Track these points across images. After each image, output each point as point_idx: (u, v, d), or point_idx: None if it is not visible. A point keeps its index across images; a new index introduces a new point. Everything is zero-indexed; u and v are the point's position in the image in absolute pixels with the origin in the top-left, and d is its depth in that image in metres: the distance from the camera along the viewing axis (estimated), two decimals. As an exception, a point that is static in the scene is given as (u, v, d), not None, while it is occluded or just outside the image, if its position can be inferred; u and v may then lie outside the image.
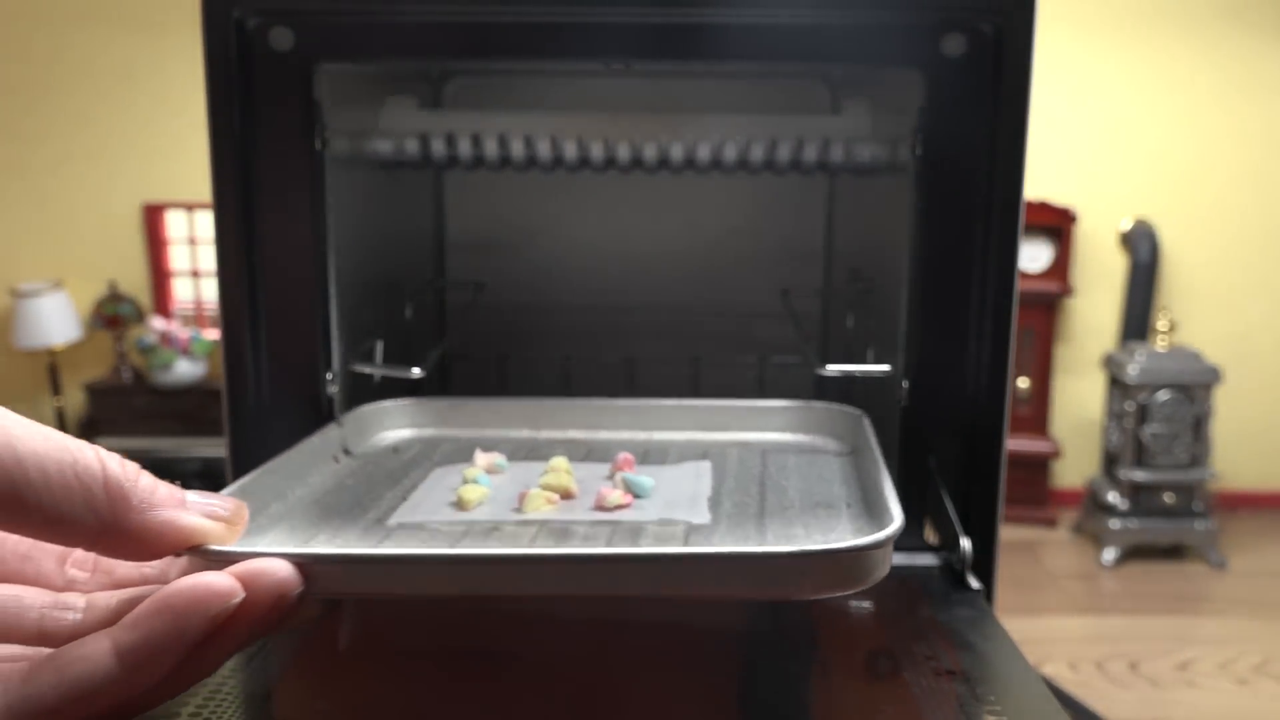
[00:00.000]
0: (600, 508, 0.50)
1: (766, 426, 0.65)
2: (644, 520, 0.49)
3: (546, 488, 0.52)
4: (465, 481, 0.53)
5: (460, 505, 0.51)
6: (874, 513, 0.47)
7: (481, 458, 0.58)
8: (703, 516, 0.49)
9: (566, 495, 0.52)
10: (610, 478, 0.55)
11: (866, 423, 0.60)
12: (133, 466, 0.30)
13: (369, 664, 0.48)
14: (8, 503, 0.27)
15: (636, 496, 0.52)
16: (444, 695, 0.44)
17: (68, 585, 0.34)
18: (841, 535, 0.46)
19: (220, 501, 0.33)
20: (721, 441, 0.64)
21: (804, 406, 0.65)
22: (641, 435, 0.65)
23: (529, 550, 0.39)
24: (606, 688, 0.46)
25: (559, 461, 0.56)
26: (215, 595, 0.29)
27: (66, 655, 0.28)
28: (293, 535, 0.47)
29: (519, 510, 0.50)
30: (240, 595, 0.29)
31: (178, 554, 0.32)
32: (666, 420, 0.66)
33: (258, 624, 0.31)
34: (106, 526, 0.28)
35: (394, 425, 0.66)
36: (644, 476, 0.53)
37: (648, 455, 0.61)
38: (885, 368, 0.63)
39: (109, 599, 0.32)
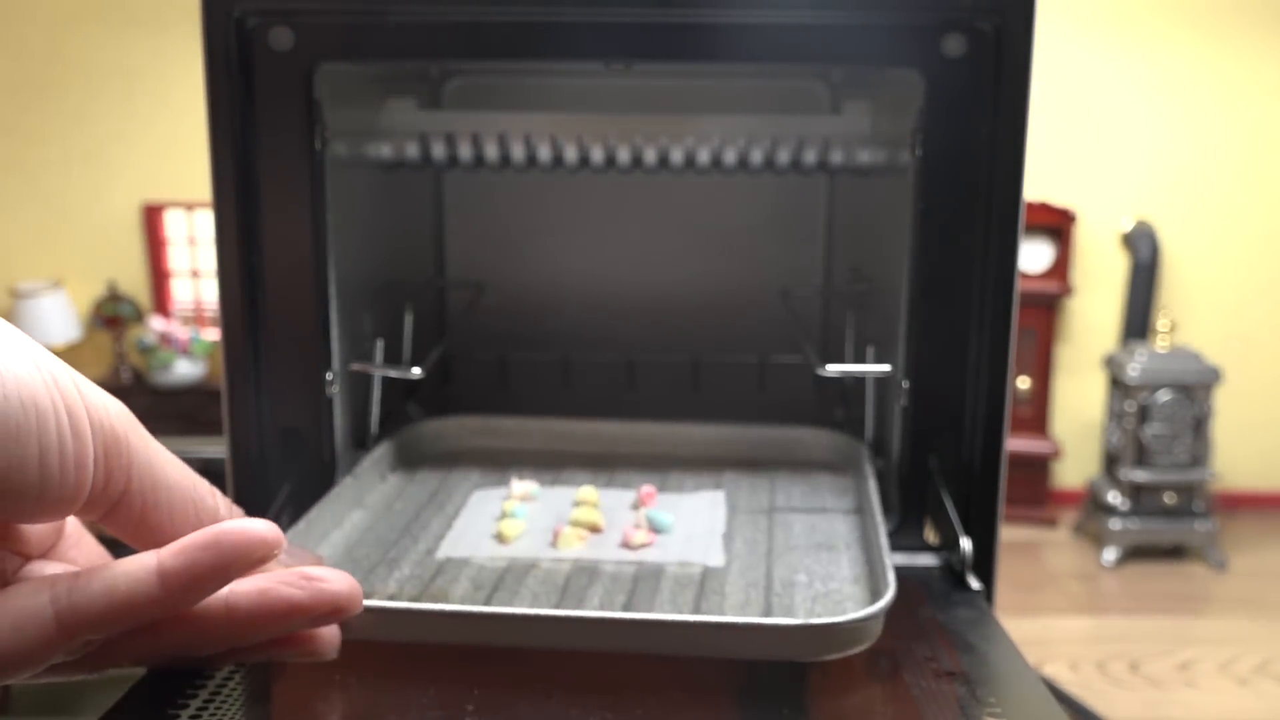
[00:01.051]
0: (626, 546, 0.55)
1: (772, 449, 0.72)
2: (664, 561, 0.53)
3: (576, 524, 0.57)
4: (504, 515, 0.59)
5: (501, 539, 0.56)
6: (870, 555, 0.53)
7: (517, 486, 0.63)
8: (717, 559, 0.54)
9: (595, 529, 0.57)
10: (635, 509, 0.60)
11: (864, 450, 0.66)
12: (239, 510, 0.34)
13: (369, 664, 0.48)
14: (137, 520, 0.31)
15: (658, 532, 0.57)
16: (445, 695, 0.44)
17: None
18: (841, 584, 0.51)
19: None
20: (733, 461, 0.70)
21: (810, 434, 0.72)
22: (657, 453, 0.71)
23: (562, 612, 0.43)
24: (606, 686, 0.46)
25: (587, 492, 0.61)
26: (261, 543, 0.31)
27: (114, 569, 0.30)
28: (357, 568, 0.52)
29: (554, 546, 0.55)
30: (282, 545, 0.32)
31: None
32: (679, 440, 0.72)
33: (313, 623, 0.34)
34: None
35: (430, 444, 0.72)
36: (665, 514, 0.58)
37: (665, 482, 0.66)
38: (885, 368, 0.63)
39: None
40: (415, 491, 0.63)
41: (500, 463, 0.69)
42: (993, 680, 0.45)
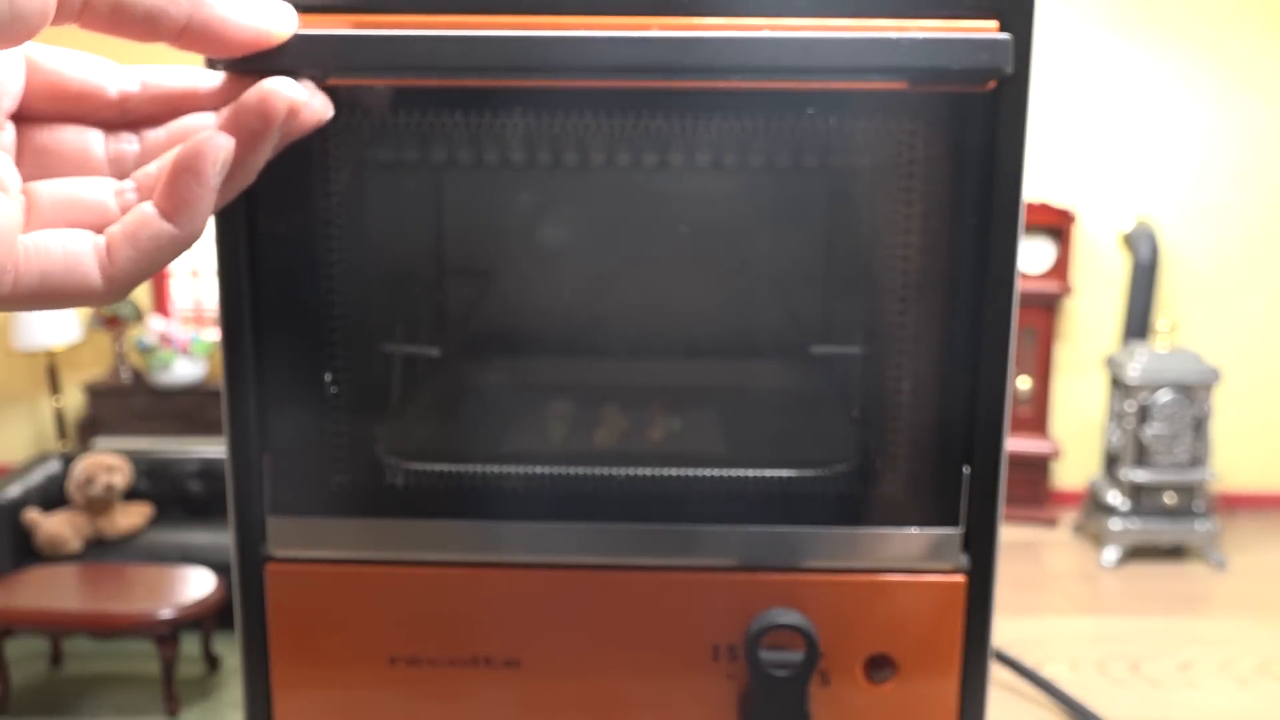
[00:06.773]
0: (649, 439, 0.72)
1: None
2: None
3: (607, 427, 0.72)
4: (549, 420, 0.73)
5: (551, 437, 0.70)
6: None
7: (555, 404, 0.75)
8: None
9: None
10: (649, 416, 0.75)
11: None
12: None
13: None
14: (111, 6, 0.35)
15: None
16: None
17: (119, 111, 0.39)
18: None
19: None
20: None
21: None
22: None
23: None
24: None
25: (610, 408, 0.75)
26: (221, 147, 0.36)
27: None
28: None
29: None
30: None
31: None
32: None
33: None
34: (190, 18, 0.35)
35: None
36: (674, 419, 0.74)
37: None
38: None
39: (159, 134, 0.39)
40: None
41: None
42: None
